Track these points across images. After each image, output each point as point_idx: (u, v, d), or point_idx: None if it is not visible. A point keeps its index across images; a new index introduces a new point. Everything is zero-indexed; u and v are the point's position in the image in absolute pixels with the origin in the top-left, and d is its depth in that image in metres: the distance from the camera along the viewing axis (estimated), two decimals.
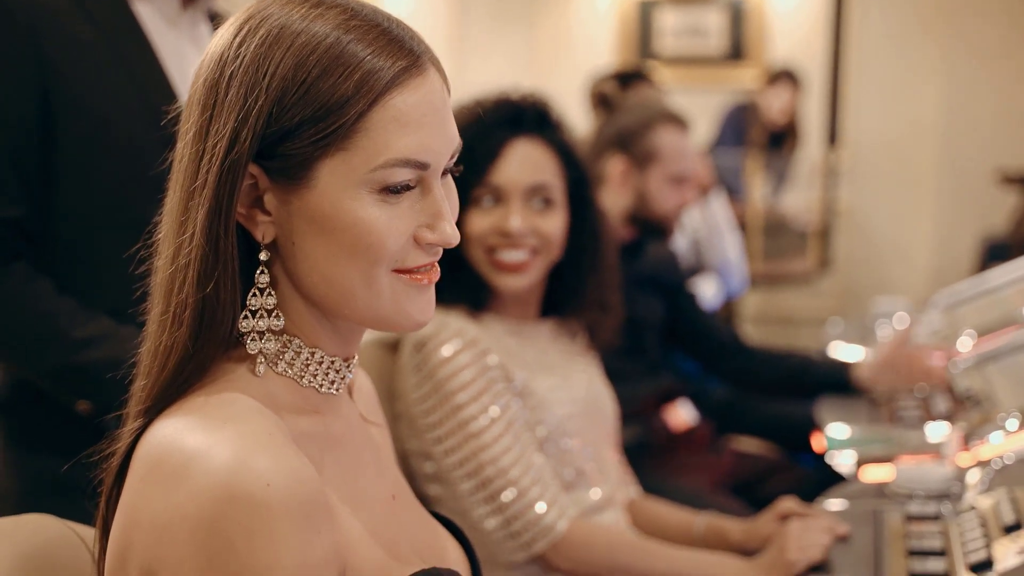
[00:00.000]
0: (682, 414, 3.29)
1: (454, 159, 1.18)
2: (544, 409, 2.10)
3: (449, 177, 1.19)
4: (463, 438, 2.01)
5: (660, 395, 3.26)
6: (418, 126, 1.13)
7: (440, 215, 1.15)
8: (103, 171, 1.92)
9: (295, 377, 1.15)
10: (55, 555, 1.29)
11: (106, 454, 1.16)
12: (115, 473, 1.14)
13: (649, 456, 3.08)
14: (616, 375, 2.45)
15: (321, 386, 1.17)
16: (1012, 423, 2.38)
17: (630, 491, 2.32)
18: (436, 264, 1.18)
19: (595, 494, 2.15)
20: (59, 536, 1.32)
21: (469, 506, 2.00)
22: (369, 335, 2.19)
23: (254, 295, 1.13)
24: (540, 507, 1.98)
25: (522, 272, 2.11)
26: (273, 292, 1.14)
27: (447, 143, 1.16)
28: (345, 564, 1.07)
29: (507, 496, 1.98)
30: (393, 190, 1.12)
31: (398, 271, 1.14)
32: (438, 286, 1.21)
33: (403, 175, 1.12)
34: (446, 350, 2.05)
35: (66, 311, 1.90)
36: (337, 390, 1.19)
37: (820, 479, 2.73)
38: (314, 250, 1.13)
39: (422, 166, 1.13)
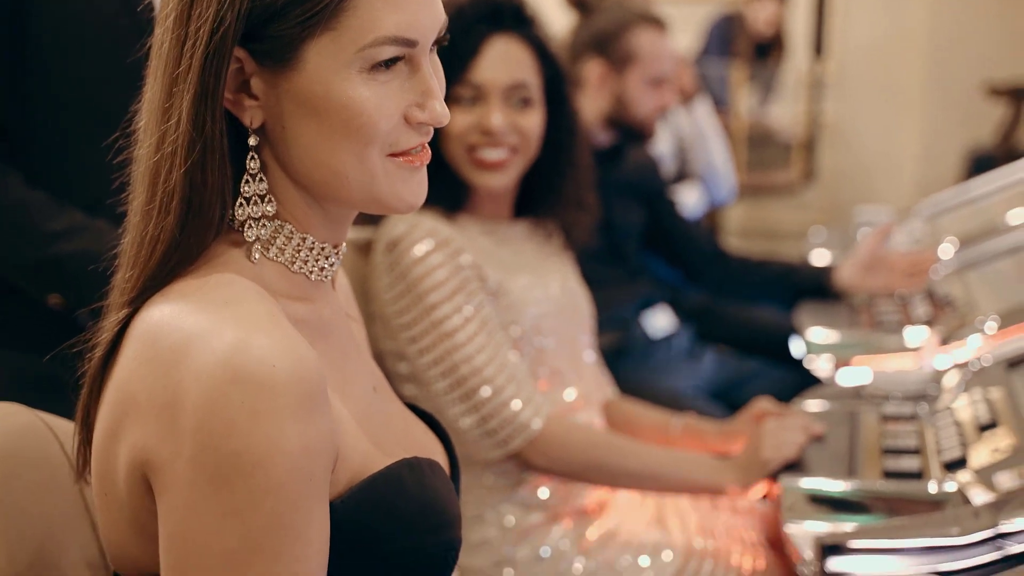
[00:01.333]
0: (660, 320, 3.28)
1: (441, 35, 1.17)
2: (518, 309, 2.09)
3: (436, 56, 1.18)
4: (437, 338, 2.00)
5: (638, 301, 3.24)
6: (405, 3, 1.11)
7: (430, 93, 1.14)
8: (77, 60, 1.88)
9: (286, 263, 1.14)
10: (22, 444, 1.28)
11: (90, 346, 1.15)
12: (100, 363, 1.12)
13: (627, 361, 3.08)
14: (594, 281, 2.44)
15: (311, 273, 1.16)
16: (991, 326, 2.37)
17: (607, 392, 2.31)
18: (427, 146, 1.16)
19: (570, 394, 2.14)
20: (27, 425, 1.31)
21: (444, 405, 1.99)
22: None
23: (246, 181, 1.12)
24: (515, 405, 1.98)
25: (502, 170, 2.10)
26: (264, 178, 1.12)
27: (434, 20, 1.15)
28: (337, 452, 1.06)
29: (482, 394, 1.97)
30: (383, 65, 1.11)
31: (392, 155, 1.13)
32: None
33: (391, 52, 1.11)
34: (419, 249, 2.03)
35: (38, 204, 1.87)
36: (326, 277, 1.18)
37: (798, 383, 2.73)
38: (306, 134, 1.11)
39: (410, 43, 1.12)
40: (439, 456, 1.27)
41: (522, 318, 2.09)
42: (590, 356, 2.27)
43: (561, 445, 1.99)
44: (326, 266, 1.17)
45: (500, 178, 2.10)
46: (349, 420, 1.11)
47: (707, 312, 3.46)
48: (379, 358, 2.07)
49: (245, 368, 0.99)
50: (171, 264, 1.10)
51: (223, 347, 1.01)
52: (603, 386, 2.31)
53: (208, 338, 1.02)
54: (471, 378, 1.98)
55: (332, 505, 1.05)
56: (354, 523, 1.07)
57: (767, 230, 7.31)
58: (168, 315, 1.06)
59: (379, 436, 1.16)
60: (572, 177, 2.19)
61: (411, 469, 1.12)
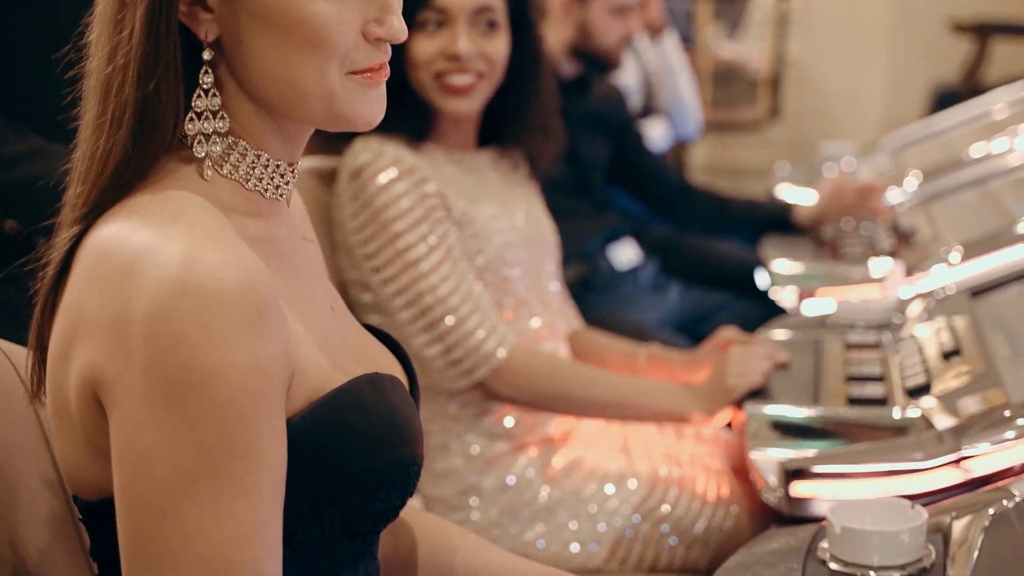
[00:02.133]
0: (626, 253, 3.27)
1: None
2: (484, 238, 2.07)
3: None
4: (401, 267, 1.98)
5: (604, 234, 3.23)
6: None
7: (387, 8, 1.12)
8: None
9: (240, 180, 1.12)
10: None
11: (41, 264, 1.12)
12: (52, 282, 1.10)
13: (592, 293, 3.08)
14: (560, 213, 2.42)
15: (266, 191, 1.14)
16: (955, 256, 2.38)
17: (572, 323, 2.31)
18: (386, 63, 1.14)
19: (535, 323, 2.13)
20: None
21: (409, 335, 1.98)
22: (303, 165, 2.15)
23: (199, 96, 1.09)
24: (480, 334, 1.97)
25: (470, 95, 2.07)
26: (218, 93, 1.10)
27: None
28: (294, 366, 1.05)
29: (446, 324, 1.96)
30: None
31: (351, 73, 1.11)
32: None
33: None
34: (383, 178, 2.01)
35: None
36: (281, 196, 1.16)
37: (763, 315, 2.73)
38: (262, 49, 1.09)
39: None
40: (398, 376, 1.26)
41: (487, 247, 2.07)
42: (555, 286, 2.25)
43: (526, 375, 1.99)
44: (281, 184, 1.15)
45: (468, 103, 2.08)
46: (306, 337, 1.10)
47: (673, 245, 3.46)
48: (343, 288, 2.05)
49: (193, 281, 0.98)
50: (123, 179, 1.08)
51: (171, 261, 0.99)
52: (569, 316, 2.30)
53: (156, 253, 1.00)
54: (435, 308, 1.96)
55: (291, 423, 1.04)
56: (314, 440, 1.05)
57: (732, 168, 7.31)
58: (117, 232, 1.04)
59: (337, 355, 1.15)
60: (537, 103, 2.17)
61: (372, 385, 1.11)
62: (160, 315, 0.98)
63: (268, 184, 1.14)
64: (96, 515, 1.10)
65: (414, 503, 1.74)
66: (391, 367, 1.25)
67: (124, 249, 1.02)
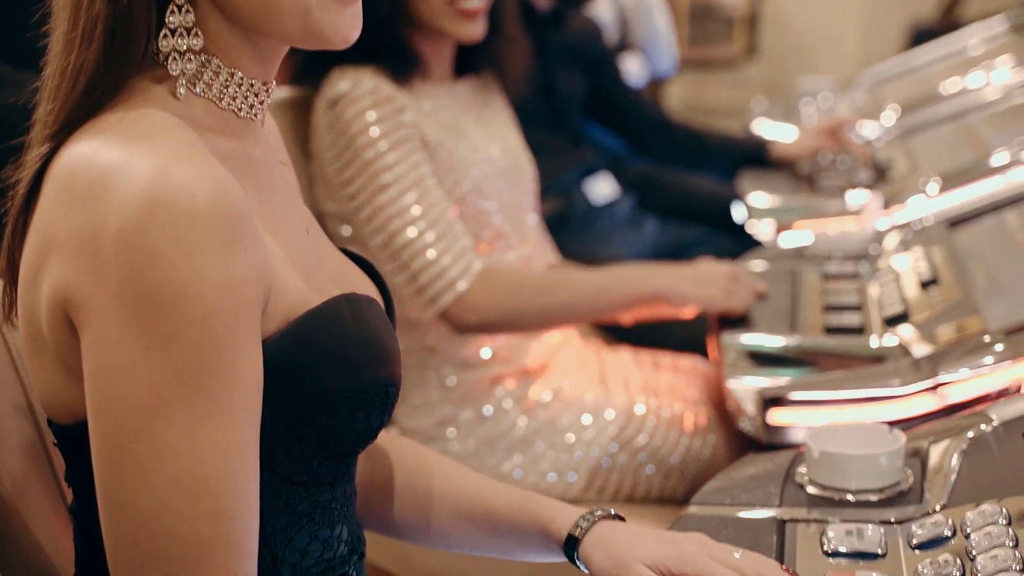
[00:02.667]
0: (602, 188, 3.26)
1: None
2: (461, 171, 2.05)
3: None
4: (372, 193, 1.96)
5: (580, 168, 3.21)
6: None
7: None
8: None
9: (214, 99, 1.10)
10: None
11: (10, 184, 1.10)
12: (22, 202, 1.08)
13: (568, 228, 3.06)
14: (536, 148, 2.40)
15: (240, 110, 1.11)
16: (932, 187, 2.37)
17: (549, 256, 2.30)
18: None
19: (513, 256, 2.12)
20: None
21: (380, 263, 1.95)
22: (279, 95, 2.12)
23: (172, 12, 1.07)
24: (444, 261, 1.94)
25: (481, 17, 2.05)
26: (191, 9, 1.07)
27: None
28: (270, 285, 1.03)
29: (412, 251, 1.94)
30: None
31: None
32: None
33: None
34: (360, 106, 1.98)
35: None
36: (256, 116, 1.13)
37: (740, 250, 2.73)
38: None
39: None
40: (375, 295, 1.24)
41: (464, 180, 2.05)
42: (533, 219, 2.24)
43: (490, 296, 1.95)
44: (255, 103, 1.13)
45: (480, 26, 2.05)
46: (281, 257, 1.08)
47: (649, 180, 3.44)
48: (321, 220, 2.02)
49: (165, 197, 0.96)
50: (94, 97, 1.05)
51: (142, 177, 0.97)
52: (546, 250, 2.29)
53: (127, 170, 0.98)
54: (401, 234, 1.94)
55: (268, 343, 1.03)
56: (292, 360, 1.04)
57: (708, 107, 7.27)
58: (87, 151, 1.02)
59: (314, 276, 1.13)
60: (501, 9, 2.14)
61: (349, 305, 1.10)
62: (131, 232, 0.96)
63: (242, 103, 1.12)
64: (71, 439, 1.08)
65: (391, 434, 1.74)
66: (368, 290, 1.23)
67: (94, 167, 1.00)
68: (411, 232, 1.94)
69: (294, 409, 1.05)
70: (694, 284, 1.99)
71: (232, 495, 0.98)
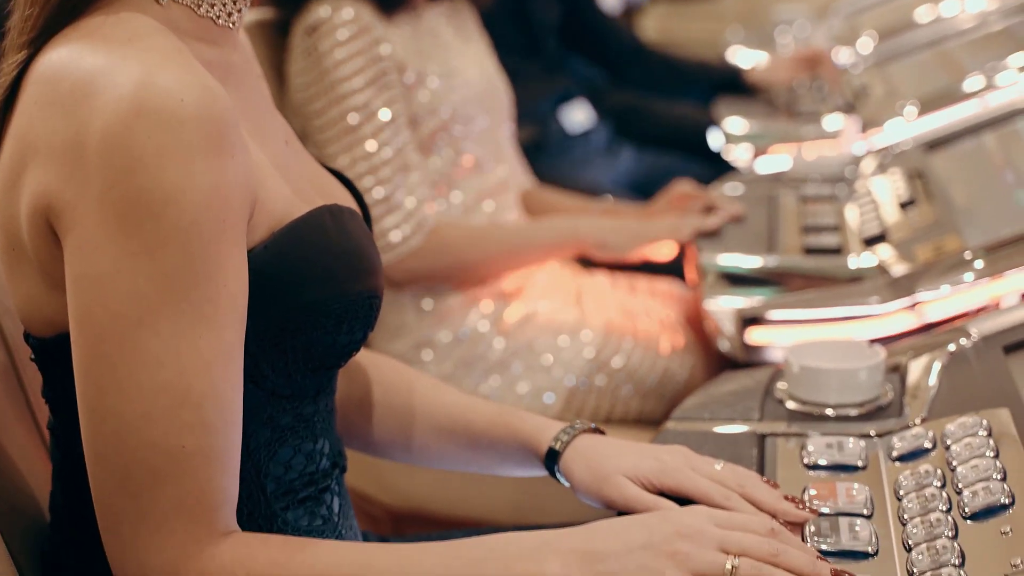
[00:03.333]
0: (578, 115, 3.23)
1: None
2: (439, 96, 2.02)
3: None
4: (342, 130, 1.93)
5: (556, 95, 3.19)
6: None
7: None
8: None
9: (192, 5, 1.07)
10: None
11: None
12: (0, 109, 1.05)
13: (544, 155, 3.04)
14: (512, 75, 2.37)
15: (218, 17, 1.09)
16: (910, 111, 2.36)
17: (524, 181, 2.28)
18: None
19: (491, 179, 2.10)
20: None
21: None
22: (258, 15, 2.08)
23: None
24: (388, 223, 1.92)
25: None
26: None
27: None
28: (256, 195, 1.01)
29: (375, 195, 1.92)
30: None
31: None
32: None
33: None
34: (337, 36, 1.95)
35: None
36: (233, 24, 1.11)
37: (717, 176, 2.72)
38: None
39: None
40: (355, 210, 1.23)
41: (442, 106, 2.02)
42: (509, 142, 2.22)
43: (421, 261, 1.95)
44: (233, 11, 1.11)
45: None
46: (267, 165, 1.06)
47: (627, 108, 3.42)
48: None
49: (151, 102, 0.94)
50: (72, 2, 1.03)
51: (127, 82, 0.95)
52: (521, 174, 2.27)
53: (111, 74, 0.95)
54: (366, 176, 1.92)
55: (254, 252, 1.01)
56: (277, 270, 1.02)
57: (683, 39, 7.22)
58: (68, 55, 1.00)
59: (299, 186, 1.12)
60: None
61: (332, 216, 1.08)
62: (117, 138, 0.93)
63: (220, 11, 1.09)
64: (50, 352, 1.06)
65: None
66: (348, 203, 1.22)
67: (76, 71, 0.97)
68: (375, 177, 1.92)
69: (279, 321, 1.03)
70: (621, 232, 2.03)
71: (216, 407, 0.97)
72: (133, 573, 0.97)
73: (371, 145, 1.92)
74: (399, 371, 1.35)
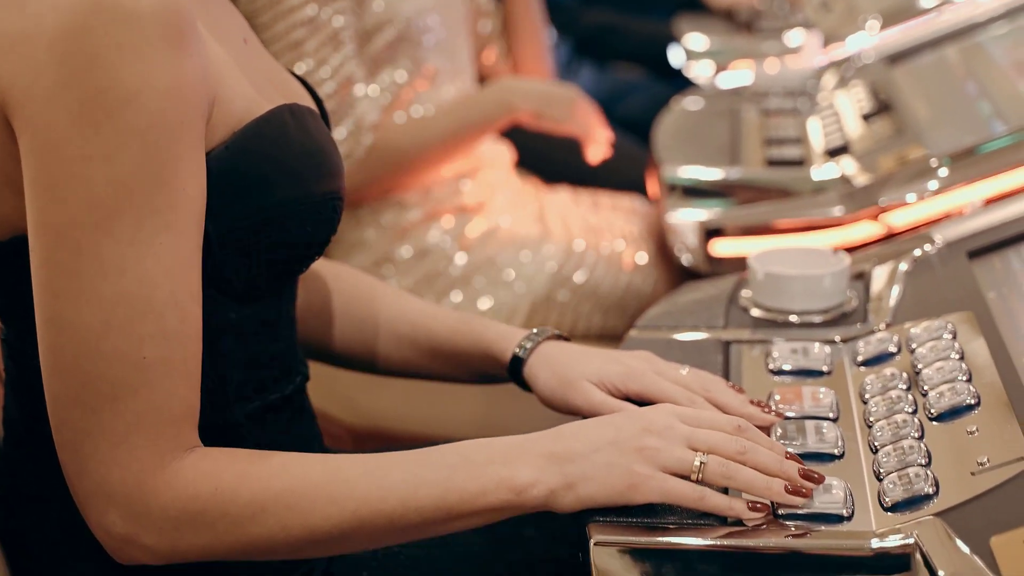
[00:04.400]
0: None
1: None
2: (395, 7, 1.98)
3: None
4: (285, 46, 1.88)
5: None
6: None
7: None
8: None
9: None
10: None
11: None
12: None
13: None
14: None
15: None
16: (872, 25, 2.35)
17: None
18: None
19: (448, 92, 2.06)
20: None
21: None
22: None
23: None
24: (352, 119, 1.89)
25: None
26: None
27: None
28: (215, 94, 0.98)
29: (324, 90, 1.88)
30: None
31: None
32: None
33: None
34: None
35: None
36: None
37: (678, 93, 2.69)
38: None
39: None
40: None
41: (397, 17, 1.98)
42: (467, 52, 2.18)
43: (382, 159, 1.92)
44: None
45: None
46: (228, 63, 1.03)
47: (587, 25, 3.38)
48: None
49: None
50: None
51: None
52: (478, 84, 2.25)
53: None
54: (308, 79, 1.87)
55: (214, 153, 0.98)
56: (238, 170, 1.00)
57: None
58: None
59: (260, 85, 1.08)
60: None
61: (292, 114, 1.05)
62: (73, 34, 0.90)
63: None
64: (4, 255, 1.03)
65: None
66: (308, 103, 1.19)
67: None
68: (320, 92, 1.88)
69: (241, 223, 1.01)
70: (551, 103, 2.03)
71: (177, 316, 0.95)
72: (93, 491, 0.95)
73: (310, 63, 1.88)
74: (360, 280, 1.33)
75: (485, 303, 1.95)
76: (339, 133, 1.89)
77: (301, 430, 1.14)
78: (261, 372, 1.08)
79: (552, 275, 1.97)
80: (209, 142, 0.98)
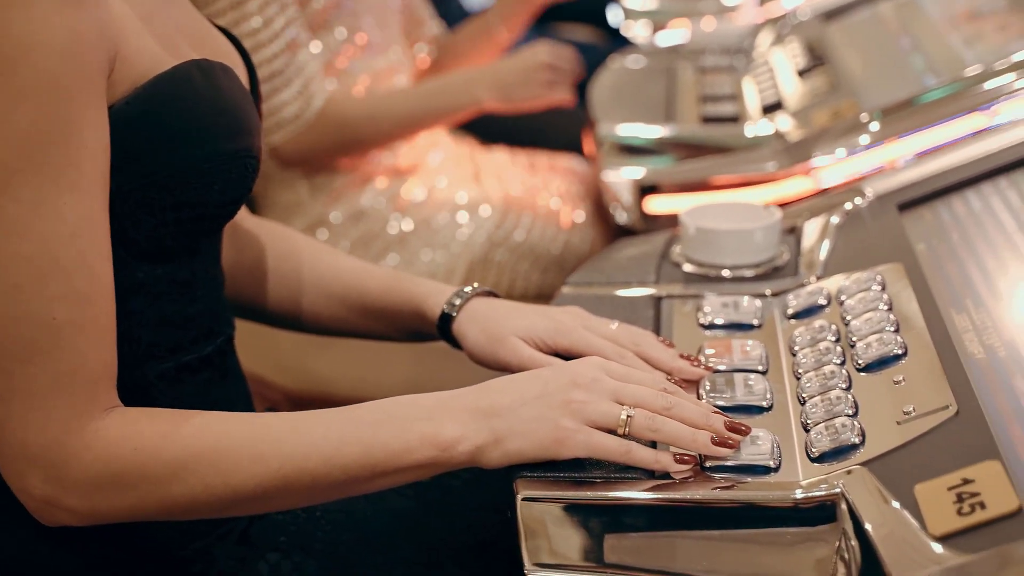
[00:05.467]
0: None
1: None
2: None
3: None
4: (228, 4, 1.85)
5: None
6: None
7: None
8: None
9: None
10: None
11: None
12: None
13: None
14: None
15: None
16: None
17: (422, 52, 2.23)
18: None
19: (381, 61, 2.04)
20: None
21: None
22: None
23: None
24: (300, 80, 1.87)
25: None
26: None
27: None
28: (116, 50, 0.96)
29: (265, 71, 1.85)
30: None
31: None
32: None
33: None
34: None
35: None
36: None
37: (616, 51, 2.68)
38: None
39: None
40: (241, 71, 1.17)
41: None
42: (398, 23, 2.15)
43: (315, 138, 1.91)
44: None
45: None
46: (131, 18, 1.00)
47: None
48: None
49: None
50: None
51: None
52: (411, 57, 2.22)
53: None
54: (254, 52, 1.85)
55: (115, 108, 0.96)
56: (140, 126, 0.97)
57: None
58: None
59: (171, 41, 1.05)
60: None
61: (201, 70, 1.03)
62: None
63: None
64: None
65: None
66: (234, 61, 1.16)
67: None
68: (255, 58, 1.85)
69: (146, 180, 0.99)
70: (516, 86, 1.98)
71: (85, 275, 0.93)
72: (13, 455, 0.93)
73: (257, 21, 1.85)
74: (291, 238, 1.31)
75: (422, 265, 1.94)
76: (288, 94, 1.86)
77: (223, 392, 1.12)
78: (176, 332, 1.06)
79: (489, 235, 1.96)
80: (110, 97, 0.96)
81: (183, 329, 1.07)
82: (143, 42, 1.00)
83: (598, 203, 1.99)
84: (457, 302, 1.17)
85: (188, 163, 1.00)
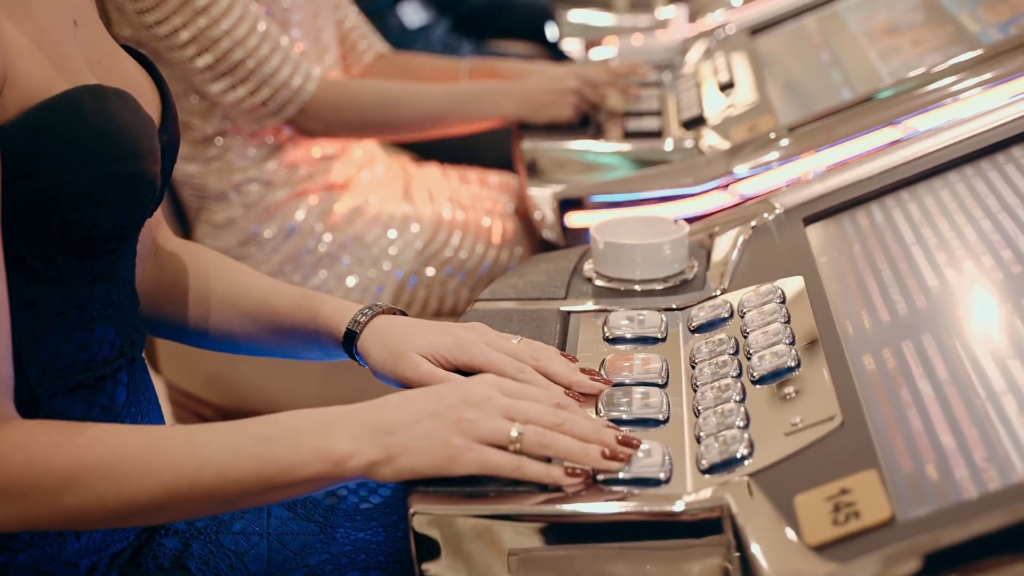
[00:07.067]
0: (415, 11, 3.18)
1: None
2: None
3: None
4: (190, 15, 1.85)
5: None
6: None
7: None
8: None
9: None
10: None
11: None
12: None
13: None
14: None
15: None
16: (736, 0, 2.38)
17: (364, 57, 2.25)
18: None
19: (316, 71, 2.05)
20: None
21: (205, 82, 1.87)
22: None
23: None
24: (284, 72, 1.89)
25: None
26: None
27: None
28: (4, 74, 0.96)
29: (248, 66, 1.86)
30: None
31: None
32: None
33: None
34: None
35: None
36: None
37: None
38: None
39: None
40: (150, 97, 1.17)
41: None
42: (331, 32, 2.16)
43: (334, 107, 1.93)
44: None
45: None
46: (26, 44, 1.00)
47: (466, 4, 3.38)
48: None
49: None
50: None
51: None
52: (349, 64, 2.23)
53: None
54: (234, 51, 1.86)
55: (3, 128, 0.96)
56: (25, 147, 0.97)
57: None
58: None
59: (71, 68, 1.06)
60: None
61: (93, 96, 1.03)
62: None
63: None
64: None
65: None
66: (145, 88, 1.16)
67: None
68: (243, 49, 1.86)
69: (32, 199, 0.99)
70: (544, 107, 2.00)
71: None
72: None
73: (225, 23, 1.85)
74: (209, 258, 1.32)
75: (352, 281, 1.95)
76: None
77: (121, 407, 1.12)
78: (69, 352, 1.06)
79: (419, 252, 1.97)
80: None
81: (80, 349, 1.07)
82: (35, 69, 1.00)
83: (527, 218, 2.00)
84: (361, 319, 1.18)
85: (73, 183, 1.00)
